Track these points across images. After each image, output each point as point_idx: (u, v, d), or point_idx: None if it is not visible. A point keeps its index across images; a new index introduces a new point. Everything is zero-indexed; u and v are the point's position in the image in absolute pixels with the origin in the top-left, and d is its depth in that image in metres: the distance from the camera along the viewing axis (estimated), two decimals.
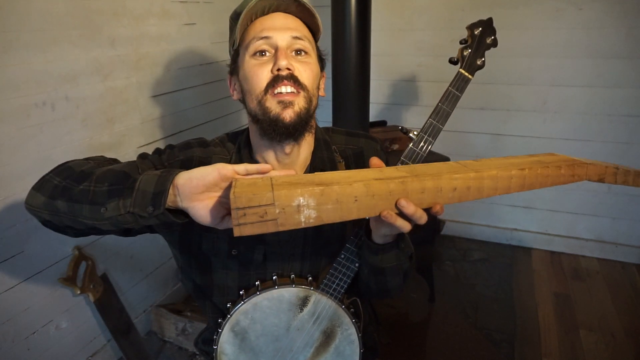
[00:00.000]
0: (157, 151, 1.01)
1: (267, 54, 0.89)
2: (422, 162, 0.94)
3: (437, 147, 2.42)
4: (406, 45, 2.87)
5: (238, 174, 0.73)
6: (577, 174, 0.79)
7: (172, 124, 2.28)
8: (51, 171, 0.86)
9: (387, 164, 1.10)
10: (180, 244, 1.01)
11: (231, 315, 0.94)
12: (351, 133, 1.12)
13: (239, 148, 1.02)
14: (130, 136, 2.02)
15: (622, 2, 2.38)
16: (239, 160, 1.00)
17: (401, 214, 0.73)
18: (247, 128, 1.04)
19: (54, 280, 1.75)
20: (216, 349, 0.96)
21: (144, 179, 0.75)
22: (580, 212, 2.81)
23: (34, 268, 1.67)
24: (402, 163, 0.94)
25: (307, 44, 0.91)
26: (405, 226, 0.75)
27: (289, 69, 0.86)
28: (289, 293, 0.94)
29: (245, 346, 0.97)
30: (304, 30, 0.92)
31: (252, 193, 0.65)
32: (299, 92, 0.88)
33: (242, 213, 0.65)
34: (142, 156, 0.98)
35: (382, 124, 2.64)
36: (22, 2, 1.51)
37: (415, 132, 0.95)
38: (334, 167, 1.03)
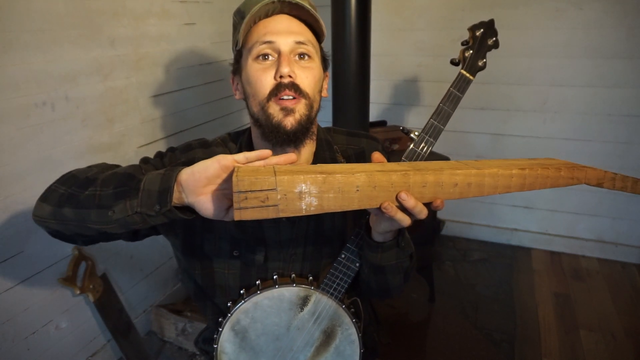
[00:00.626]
0: (159, 154, 1.02)
1: (270, 57, 0.89)
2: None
3: (438, 147, 2.41)
4: (406, 45, 2.87)
5: (238, 163, 0.74)
6: (577, 176, 0.80)
7: (172, 124, 2.28)
8: (56, 181, 0.87)
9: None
10: (183, 246, 1.01)
11: (232, 314, 0.94)
12: (352, 133, 1.13)
13: (240, 148, 1.03)
14: (130, 136, 2.02)
15: (622, 2, 2.38)
16: None
17: (401, 207, 0.73)
18: (249, 128, 1.04)
19: (54, 280, 1.75)
20: (216, 347, 0.96)
21: (149, 179, 0.76)
22: (580, 212, 2.81)
23: (34, 268, 1.67)
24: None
25: (310, 47, 0.91)
26: (405, 220, 0.75)
27: (290, 76, 0.87)
28: (289, 292, 0.94)
29: (245, 345, 0.97)
30: (307, 34, 0.92)
31: (254, 177, 0.65)
32: (299, 100, 0.89)
33: (244, 197, 0.65)
34: (144, 160, 0.99)
35: (382, 124, 2.64)
36: (22, 2, 1.51)
37: (416, 133, 0.95)
38: None
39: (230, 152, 1.03)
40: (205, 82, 2.48)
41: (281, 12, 0.91)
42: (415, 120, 2.98)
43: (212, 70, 2.51)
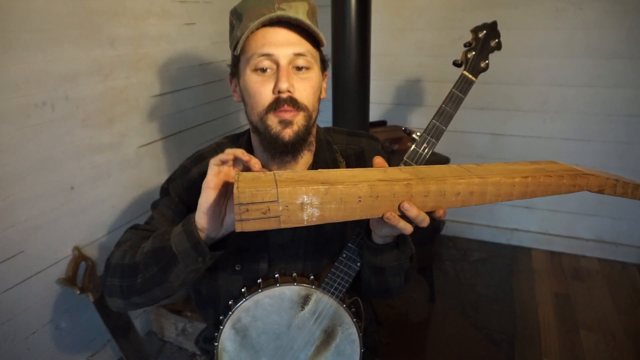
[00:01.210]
0: (163, 191, 1.06)
1: (269, 70, 0.89)
2: (424, 162, 0.95)
3: (438, 147, 2.42)
4: (406, 45, 2.88)
5: (222, 162, 0.77)
6: (578, 184, 0.80)
7: (172, 124, 2.28)
8: (107, 275, 0.95)
9: (389, 163, 1.11)
10: None
11: (233, 312, 0.94)
12: (352, 133, 1.13)
13: None
14: (130, 136, 2.02)
15: (622, 2, 2.38)
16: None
17: (403, 216, 0.74)
18: (248, 130, 1.04)
19: (54, 280, 1.74)
20: (217, 345, 0.96)
21: (176, 242, 0.83)
22: (580, 212, 2.82)
23: (34, 268, 1.67)
24: (405, 163, 0.94)
25: (309, 58, 0.90)
26: (407, 228, 0.75)
27: (289, 90, 0.88)
28: (290, 291, 0.94)
29: (246, 343, 0.97)
30: (306, 45, 0.90)
31: (256, 189, 0.65)
32: (298, 113, 0.90)
33: (245, 209, 0.65)
34: (154, 205, 1.06)
35: (382, 124, 2.64)
36: (22, 2, 1.51)
37: (418, 133, 0.95)
38: (335, 168, 1.03)
39: None
40: (205, 82, 2.48)
41: (279, 22, 0.89)
42: (416, 120, 2.98)
43: (212, 70, 2.51)
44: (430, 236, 2.40)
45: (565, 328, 2.25)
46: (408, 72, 2.91)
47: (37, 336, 1.70)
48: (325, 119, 2.23)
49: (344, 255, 0.95)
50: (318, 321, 0.96)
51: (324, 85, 1.01)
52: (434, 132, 0.95)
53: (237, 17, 0.92)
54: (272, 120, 0.89)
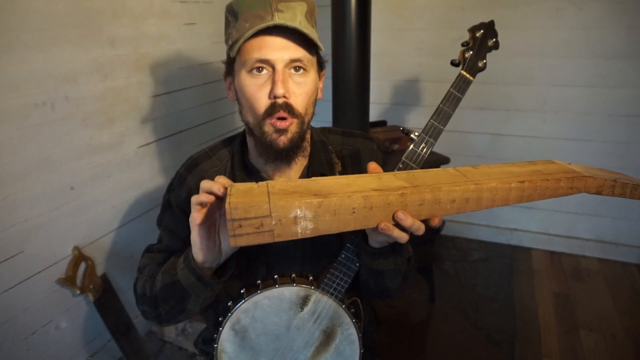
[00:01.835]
0: (166, 205, 1.08)
1: (265, 71, 0.89)
2: (423, 162, 0.95)
3: (438, 147, 2.41)
4: (406, 45, 2.87)
5: (199, 203, 0.77)
6: (576, 186, 0.79)
7: (172, 124, 2.28)
8: (137, 300, 1.04)
9: (385, 163, 1.11)
10: None
11: (232, 314, 0.94)
12: (347, 133, 1.12)
13: (232, 155, 1.03)
14: (130, 136, 2.02)
15: (622, 2, 2.38)
16: (232, 168, 1.01)
17: (398, 226, 0.73)
18: (242, 132, 1.04)
19: (54, 280, 1.74)
20: (217, 347, 0.96)
21: (182, 277, 0.89)
22: (580, 212, 2.81)
23: (34, 268, 1.67)
24: (403, 163, 0.94)
25: (305, 62, 0.90)
26: (403, 237, 0.75)
27: (285, 96, 0.88)
28: (289, 292, 0.94)
29: (245, 345, 0.97)
30: (302, 51, 0.89)
31: (248, 204, 0.64)
32: (292, 121, 0.90)
33: (238, 224, 0.65)
34: (159, 222, 1.10)
35: (382, 124, 2.64)
36: (22, 2, 1.51)
37: (416, 133, 0.95)
38: (331, 169, 1.04)
39: (220, 161, 1.05)
40: (205, 82, 2.48)
41: (276, 28, 0.87)
42: (416, 120, 2.97)
43: (212, 70, 2.51)
44: (430, 236, 2.40)
45: (565, 328, 2.25)
46: (408, 72, 2.91)
47: (37, 336, 1.70)
48: (326, 119, 2.23)
49: (343, 256, 0.95)
50: (317, 322, 0.96)
51: (321, 85, 1.00)
52: (432, 131, 0.95)
53: (232, 14, 0.91)
54: (269, 127, 0.90)
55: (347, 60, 2.04)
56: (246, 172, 1.02)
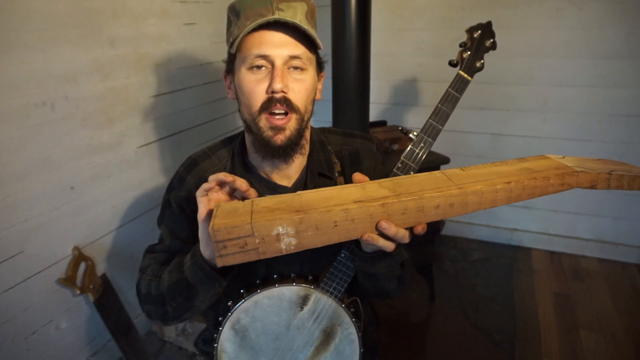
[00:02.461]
0: (166, 204, 1.08)
1: (264, 68, 0.89)
2: (422, 162, 0.95)
3: (437, 147, 2.42)
4: (406, 45, 2.87)
5: (207, 191, 0.79)
6: (567, 182, 0.77)
7: (172, 124, 2.28)
8: (140, 300, 1.04)
9: (384, 163, 1.11)
10: None
11: (232, 313, 0.94)
12: (347, 133, 1.13)
13: (232, 154, 1.04)
14: (130, 136, 2.02)
15: (622, 2, 2.38)
16: (232, 167, 1.01)
17: (383, 235, 0.74)
18: (242, 132, 1.05)
19: (54, 280, 1.75)
20: (217, 346, 0.96)
21: (190, 274, 0.89)
22: (580, 212, 2.81)
23: (34, 268, 1.67)
24: (402, 163, 0.94)
25: (304, 60, 0.90)
26: (389, 246, 0.76)
27: (283, 91, 0.88)
28: (289, 291, 0.94)
29: (245, 344, 0.97)
30: (302, 48, 0.90)
31: (230, 225, 0.66)
32: (290, 116, 0.90)
33: (223, 245, 0.67)
34: (159, 222, 1.10)
35: (382, 124, 2.64)
36: (22, 2, 1.51)
37: (415, 133, 0.96)
38: (330, 169, 1.04)
39: (220, 161, 1.05)
40: (205, 82, 2.48)
41: (276, 24, 0.88)
42: (416, 120, 2.97)
43: (212, 70, 2.51)
44: (430, 236, 2.40)
45: (565, 328, 2.25)
46: (408, 72, 2.91)
47: (37, 336, 1.70)
48: (326, 119, 2.23)
49: (342, 256, 0.95)
50: (317, 321, 0.96)
51: (319, 86, 1.00)
52: (431, 131, 0.95)
53: (234, 14, 0.92)
54: (265, 123, 0.90)
55: (347, 60, 2.04)
56: (246, 170, 1.02)
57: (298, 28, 0.87)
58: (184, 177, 1.05)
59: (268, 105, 0.89)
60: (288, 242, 0.69)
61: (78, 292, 1.81)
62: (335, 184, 1.04)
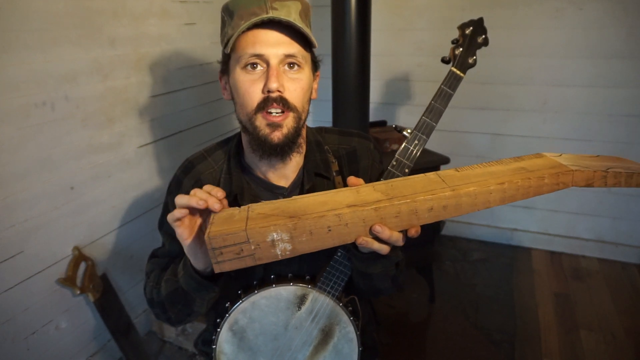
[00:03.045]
0: (165, 208, 1.09)
1: (259, 67, 0.89)
2: (422, 162, 0.95)
3: (437, 147, 2.43)
4: (406, 45, 2.87)
5: (179, 219, 0.80)
6: (562, 181, 0.76)
7: (172, 124, 2.28)
8: (148, 303, 1.07)
9: (382, 161, 1.11)
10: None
11: (230, 314, 0.94)
12: (344, 132, 1.13)
13: (229, 155, 1.03)
14: (130, 136, 2.02)
15: (622, 2, 2.38)
16: (229, 169, 1.01)
17: (377, 238, 0.74)
18: (238, 133, 1.05)
19: (54, 280, 1.75)
20: (215, 348, 0.96)
21: (183, 283, 0.92)
22: (580, 212, 2.81)
23: (34, 268, 1.67)
24: (397, 161, 0.95)
25: (299, 58, 0.90)
26: (383, 249, 0.76)
27: (279, 90, 0.87)
28: (286, 291, 0.94)
29: (244, 345, 0.97)
30: (297, 46, 0.89)
31: (225, 233, 0.68)
32: (287, 114, 0.90)
33: (219, 252, 0.69)
34: (160, 226, 1.11)
35: (382, 124, 2.64)
36: (22, 2, 1.52)
37: (409, 130, 0.96)
38: (327, 169, 1.04)
39: (216, 163, 1.05)
40: (205, 82, 2.49)
41: (270, 23, 0.87)
42: (416, 120, 2.93)
43: (212, 70, 2.51)
44: (430, 236, 2.40)
45: (565, 328, 2.25)
46: (408, 72, 2.91)
47: (37, 336, 1.70)
48: (326, 119, 2.23)
49: (339, 255, 0.95)
50: (315, 321, 0.96)
51: (315, 86, 1.00)
52: (424, 128, 0.95)
53: (228, 14, 0.92)
54: (261, 122, 0.90)
55: (347, 60, 2.04)
56: (242, 171, 1.02)
57: (292, 26, 0.87)
58: (181, 180, 1.05)
59: (264, 105, 0.88)
60: (283, 248, 0.71)
61: (78, 292, 1.81)
62: (333, 184, 1.04)
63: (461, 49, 0.98)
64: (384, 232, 0.73)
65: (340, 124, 2.13)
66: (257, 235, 0.69)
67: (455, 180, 0.76)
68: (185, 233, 0.80)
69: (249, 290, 0.96)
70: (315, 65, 0.98)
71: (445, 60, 1.00)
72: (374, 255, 0.87)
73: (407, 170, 0.95)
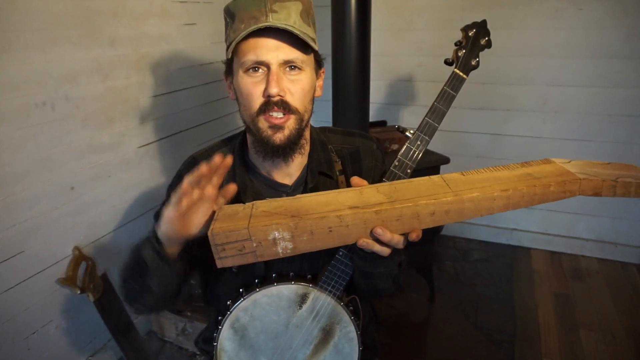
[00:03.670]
0: (164, 201, 1.05)
1: (260, 70, 0.90)
2: (421, 161, 0.95)
3: (437, 147, 2.43)
4: (406, 45, 2.88)
5: (176, 210, 0.78)
6: (569, 190, 0.75)
7: (172, 124, 2.28)
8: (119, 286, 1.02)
9: (384, 162, 1.11)
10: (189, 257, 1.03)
11: (231, 312, 0.94)
12: (347, 132, 1.14)
13: (233, 152, 1.04)
14: (130, 136, 2.02)
15: (622, 2, 2.38)
16: (233, 166, 1.02)
17: (378, 241, 0.75)
18: (243, 131, 1.05)
19: (54, 280, 1.75)
20: (216, 345, 0.97)
21: (145, 254, 0.87)
22: (580, 212, 2.81)
23: (34, 268, 1.67)
24: (399, 162, 0.95)
25: (299, 62, 0.90)
26: (384, 251, 0.76)
27: (280, 94, 0.88)
28: (288, 290, 0.94)
29: (245, 343, 0.97)
30: (296, 52, 0.90)
31: (228, 230, 0.69)
32: (289, 117, 0.91)
33: (222, 248, 0.70)
34: (156, 217, 1.04)
35: (382, 124, 2.64)
36: (22, 2, 1.52)
37: (411, 131, 0.96)
38: (330, 168, 1.05)
39: None
40: (205, 82, 2.49)
41: (268, 29, 0.87)
42: (416, 120, 2.95)
43: (212, 71, 2.51)
44: (430, 236, 2.40)
45: (565, 328, 2.25)
46: (408, 72, 2.91)
47: (37, 336, 1.70)
48: (325, 119, 2.23)
49: (341, 254, 0.95)
50: (316, 320, 0.96)
51: (320, 83, 1.01)
52: (427, 129, 0.95)
53: (230, 15, 0.93)
54: (263, 124, 0.91)
55: (347, 60, 2.04)
56: (246, 169, 1.03)
57: (291, 32, 0.87)
58: (182, 175, 1.04)
59: (266, 108, 0.89)
60: (285, 246, 0.71)
61: (78, 292, 1.81)
62: (336, 183, 1.05)
63: (464, 51, 0.99)
64: (385, 234, 0.73)
65: (340, 124, 2.13)
66: (259, 233, 0.69)
67: (459, 185, 0.76)
68: (184, 205, 0.77)
69: (250, 288, 0.96)
70: (318, 64, 0.98)
71: (448, 62, 1.01)
72: (376, 255, 0.87)
73: (409, 171, 0.95)
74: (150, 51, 2.08)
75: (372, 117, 2.61)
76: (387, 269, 0.92)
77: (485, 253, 2.94)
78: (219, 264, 0.71)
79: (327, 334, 0.97)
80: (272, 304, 0.95)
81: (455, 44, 1.01)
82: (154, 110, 2.14)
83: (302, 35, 0.87)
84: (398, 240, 0.75)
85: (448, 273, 2.73)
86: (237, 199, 0.98)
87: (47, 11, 1.60)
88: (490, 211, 0.74)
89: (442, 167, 2.28)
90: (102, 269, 1.96)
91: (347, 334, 0.98)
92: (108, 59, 1.86)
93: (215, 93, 2.58)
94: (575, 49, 2.54)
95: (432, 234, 2.45)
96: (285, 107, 0.90)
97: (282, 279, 0.96)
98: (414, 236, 0.75)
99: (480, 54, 1.00)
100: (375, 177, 1.08)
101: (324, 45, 0.95)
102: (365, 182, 0.82)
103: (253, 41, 0.88)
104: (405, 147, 0.95)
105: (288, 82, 0.90)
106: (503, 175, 0.79)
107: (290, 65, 0.90)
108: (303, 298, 0.95)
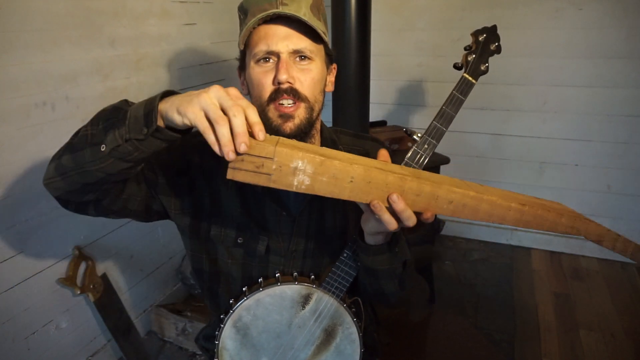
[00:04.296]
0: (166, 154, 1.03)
1: (271, 60, 0.91)
2: (425, 163, 0.95)
3: (438, 147, 2.41)
4: (406, 45, 2.88)
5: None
6: (577, 227, 0.78)
7: None
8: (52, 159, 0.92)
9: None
10: (191, 229, 1.03)
11: (234, 311, 0.94)
12: (358, 135, 1.15)
13: None
14: None
15: (622, 2, 2.39)
16: None
17: (391, 210, 0.74)
18: None
19: (54, 280, 1.74)
20: (218, 344, 0.97)
21: (134, 107, 0.75)
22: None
23: (34, 268, 1.67)
24: (406, 164, 0.94)
25: (308, 52, 0.91)
26: (391, 223, 0.75)
27: (289, 82, 0.89)
28: (291, 290, 0.94)
29: (247, 342, 0.97)
30: (306, 41, 0.91)
31: (255, 142, 0.65)
32: (299, 105, 0.91)
33: (241, 158, 0.66)
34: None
35: (382, 124, 2.64)
36: (22, 2, 1.51)
37: (419, 134, 0.96)
38: None
39: None
40: (205, 82, 2.48)
41: (279, 18, 0.89)
42: (416, 120, 2.98)
43: (212, 70, 2.51)
44: (430, 236, 2.40)
45: (565, 328, 2.25)
46: (408, 72, 2.91)
47: (37, 336, 1.70)
48: (325, 119, 2.22)
49: (345, 255, 0.95)
50: (318, 320, 0.96)
51: (331, 78, 1.02)
52: (435, 133, 0.95)
53: (243, 12, 0.94)
54: (273, 113, 0.91)
55: (347, 60, 2.04)
56: None
57: (300, 21, 0.88)
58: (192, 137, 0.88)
59: (276, 96, 0.90)
60: (301, 180, 0.69)
61: (78, 292, 1.80)
62: None
63: (474, 56, 0.99)
64: (399, 203, 0.72)
65: (341, 124, 2.13)
66: (284, 156, 0.67)
67: (479, 188, 0.78)
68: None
69: (253, 287, 0.96)
70: (329, 58, 0.99)
71: (457, 67, 1.01)
72: (381, 248, 0.88)
73: None
74: (150, 51, 2.08)
75: (372, 117, 2.61)
76: (391, 265, 0.92)
77: (485, 253, 2.95)
78: (230, 174, 0.67)
79: (329, 335, 0.97)
80: (275, 304, 0.95)
81: (465, 49, 1.02)
82: None
83: (311, 23, 0.88)
84: (409, 215, 0.74)
85: (448, 273, 2.73)
86: (246, 190, 0.98)
87: (47, 11, 1.60)
88: (501, 220, 0.76)
89: (442, 167, 2.29)
90: (102, 269, 1.96)
91: (349, 335, 0.98)
92: (108, 59, 1.86)
93: None
94: (575, 49, 2.54)
95: (432, 234, 2.45)
96: (295, 94, 0.90)
97: (286, 278, 0.96)
98: (429, 215, 0.75)
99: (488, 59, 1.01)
100: None
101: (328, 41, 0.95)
102: (389, 159, 0.82)
103: (263, 30, 0.90)
104: (412, 150, 0.95)
105: (298, 71, 0.91)
106: (520, 197, 0.81)
107: (300, 55, 0.91)
108: (306, 298, 0.95)
